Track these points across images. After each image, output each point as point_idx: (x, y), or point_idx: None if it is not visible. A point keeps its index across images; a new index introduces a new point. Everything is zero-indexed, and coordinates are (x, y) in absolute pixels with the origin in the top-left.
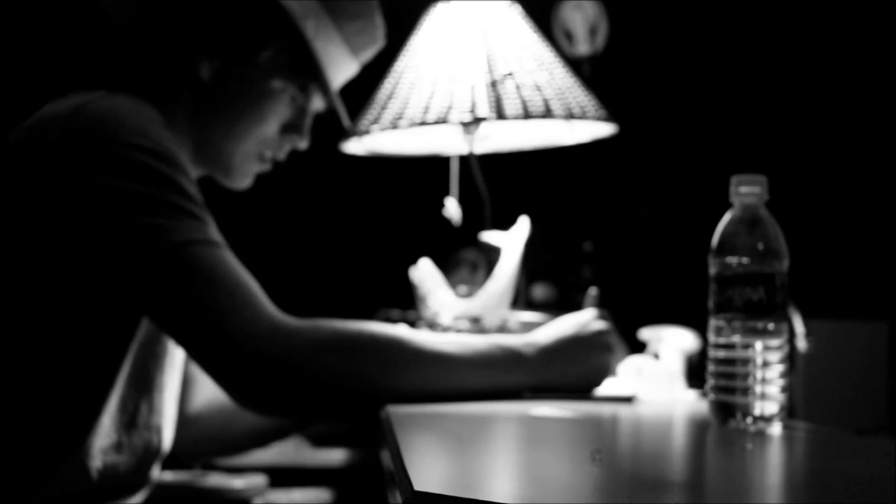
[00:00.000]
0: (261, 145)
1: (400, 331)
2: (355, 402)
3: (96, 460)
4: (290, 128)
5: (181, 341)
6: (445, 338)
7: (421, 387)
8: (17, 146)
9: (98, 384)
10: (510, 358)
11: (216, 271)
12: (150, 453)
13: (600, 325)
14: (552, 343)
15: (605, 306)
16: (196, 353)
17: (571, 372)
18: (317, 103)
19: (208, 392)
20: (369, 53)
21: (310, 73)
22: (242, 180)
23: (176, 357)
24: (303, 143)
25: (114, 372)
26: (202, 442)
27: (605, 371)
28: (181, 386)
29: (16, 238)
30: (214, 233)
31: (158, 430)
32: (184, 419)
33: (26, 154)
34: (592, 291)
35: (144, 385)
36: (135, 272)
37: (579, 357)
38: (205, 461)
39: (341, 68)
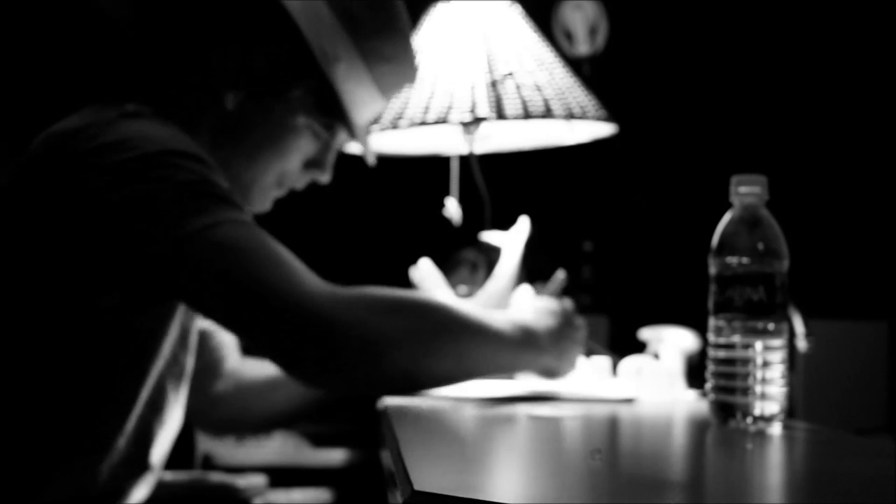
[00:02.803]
0: (281, 177)
1: (446, 299)
2: (407, 372)
3: (104, 475)
4: (312, 163)
5: (229, 321)
6: (485, 311)
7: (467, 356)
8: (39, 156)
9: (119, 410)
10: (532, 338)
11: (261, 246)
12: (152, 464)
13: (569, 309)
14: (553, 326)
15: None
16: (247, 329)
17: (561, 356)
18: (341, 138)
19: (228, 378)
20: (398, 92)
21: (336, 113)
22: (260, 206)
23: (188, 370)
24: (325, 178)
25: (134, 398)
26: (223, 424)
27: (576, 357)
28: (202, 372)
29: (41, 255)
30: (250, 217)
31: (164, 441)
32: (205, 402)
33: (51, 164)
34: (560, 275)
35: (159, 405)
36: (174, 255)
37: (566, 342)
38: (233, 436)
39: (369, 107)
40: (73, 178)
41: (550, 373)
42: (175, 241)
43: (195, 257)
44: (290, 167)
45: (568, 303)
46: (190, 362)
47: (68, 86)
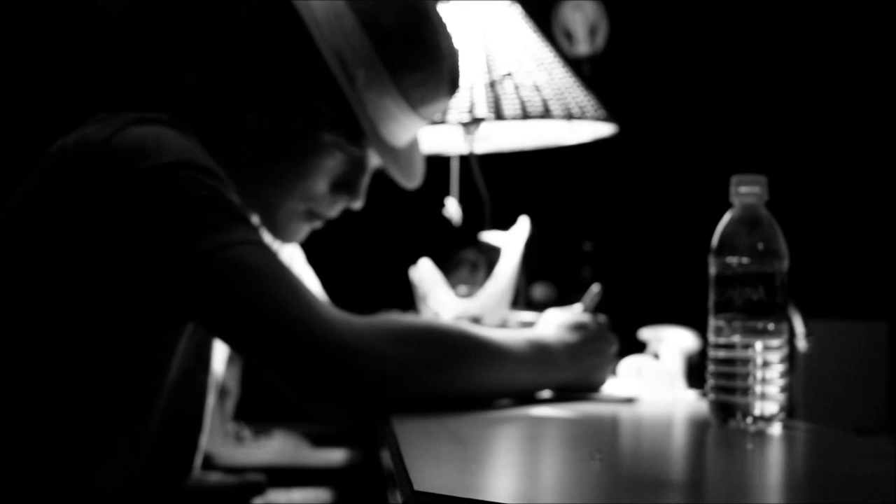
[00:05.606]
0: (308, 202)
1: (462, 324)
2: (424, 395)
3: (118, 488)
4: (342, 186)
5: (242, 344)
6: (501, 333)
7: (485, 382)
8: (56, 165)
9: (126, 421)
10: (550, 356)
11: (278, 271)
12: (174, 476)
13: (600, 323)
14: (575, 341)
15: (605, 306)
16: (261, 355)
17: (587, 371)
18: (375, 160)
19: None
20: (435, 108)
21: (362, 127)
22: (291, 236)
23: (208, 387)
24: (357, 204)
25: (141, 410)
26: None
27: (608, 370)
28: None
29: (52, 263)
30: (264, 239)
31: (185, 455)
32: None
33: (67, 173)
34: (595, 289)
35: (172, 421)
36: (188, 274)
37: (592, 356)
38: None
39: (401, 123)
40: (86, 185)
41: (573, 388)
42: (189, 258)
43: (210, 277)
44: (316, 189)
45: (601, 318)
46: (209, 380)
47: (83, 94)
